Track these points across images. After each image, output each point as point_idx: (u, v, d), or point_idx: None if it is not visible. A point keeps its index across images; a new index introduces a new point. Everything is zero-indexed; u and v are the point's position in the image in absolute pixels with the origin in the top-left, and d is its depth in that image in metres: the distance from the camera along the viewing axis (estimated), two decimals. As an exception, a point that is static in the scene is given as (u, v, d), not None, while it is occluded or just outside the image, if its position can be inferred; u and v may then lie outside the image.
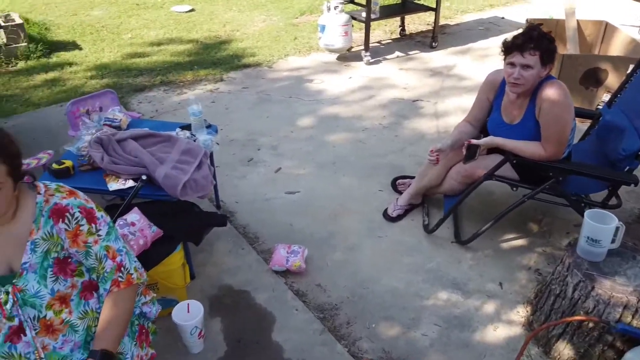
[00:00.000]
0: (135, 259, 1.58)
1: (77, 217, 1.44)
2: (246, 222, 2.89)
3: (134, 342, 1.60)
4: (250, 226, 2.86)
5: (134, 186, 2.18)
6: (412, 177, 2.98)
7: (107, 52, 5.17)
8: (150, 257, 2.06)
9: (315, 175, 3.30)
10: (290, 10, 6.35)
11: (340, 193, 3.14)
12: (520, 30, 2.38)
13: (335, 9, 4.61)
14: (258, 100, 4.23)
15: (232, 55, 5.10)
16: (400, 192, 3.06)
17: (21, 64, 4.84)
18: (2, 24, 4.89)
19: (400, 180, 3.14)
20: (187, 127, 2.63)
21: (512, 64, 2.34)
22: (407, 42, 5.50)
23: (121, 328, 1.50)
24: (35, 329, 1.42)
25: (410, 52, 5.20)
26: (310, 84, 4.52)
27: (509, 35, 2.45)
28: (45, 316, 1.42)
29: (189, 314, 2.09)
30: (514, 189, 2.58)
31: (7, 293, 1.38)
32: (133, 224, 2.06)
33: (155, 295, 1.80)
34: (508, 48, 2.36)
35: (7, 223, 1.40)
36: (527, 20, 4.37)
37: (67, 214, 1.43)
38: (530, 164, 2.42)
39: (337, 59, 5.02)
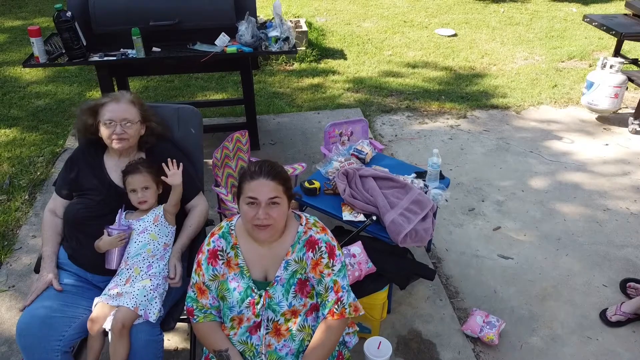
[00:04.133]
0: (354, 297, 1.82)
1: (322, 250, 1.74)
2: (451, 273, 2.95)
3: (332, 365, 1.87)
4: (454, 279, 2.92)
5: (364, 221, 2.44)
6: (649, 287, 2.65)
7: (366, 65, 5.66)
8: (360, 288, 2.31)
9: (535, 246, 3.16)
10: (558, 52, 5.97)
11: (557, 274, 2.95)
12: None
13: (611, 67, 4.20)
14: (496, 147, 4.17)
15: (482, 91, 5.08)
16: (628, 296, 2.75)
17: (296, 65, 5.64)
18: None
19: (632, 284, 2.81)
20: (422, 173, 2.80)
21: None
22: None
23: (326, 351, 1.78)
24: (267, 329, 1.77)
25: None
26: (557, 141, 4.26)
27: None
28: (278, 321, 1.76)
29: (378, 350, 2.29)
30: None
31: (261, 296, 1.74)
32: (354, 256, 2.33)
33: (357, 329, 2.03)
34: None
35: (274, 242, 1.75)
36: None
37: (317, 246, 1.74)
38: None
39: (596, 118, 4.59)
